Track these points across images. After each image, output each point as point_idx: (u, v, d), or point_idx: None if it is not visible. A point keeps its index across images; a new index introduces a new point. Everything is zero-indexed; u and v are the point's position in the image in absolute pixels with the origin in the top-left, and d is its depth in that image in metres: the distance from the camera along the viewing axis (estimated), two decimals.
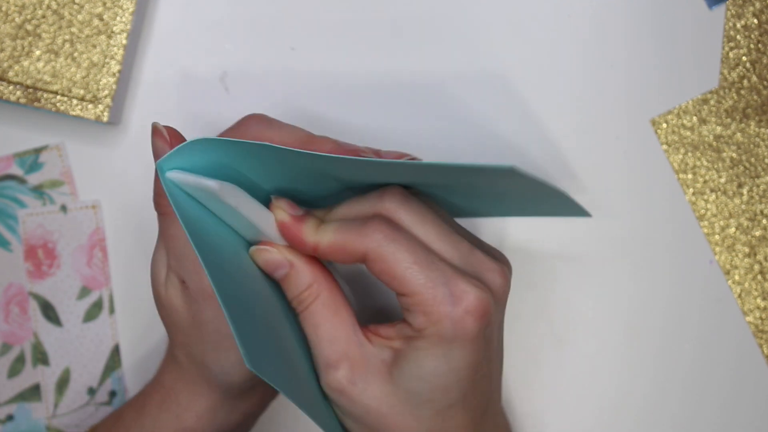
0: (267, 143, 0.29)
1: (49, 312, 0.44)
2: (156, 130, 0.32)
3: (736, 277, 0.43)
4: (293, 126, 0.34)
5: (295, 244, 0.33)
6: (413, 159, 0.34)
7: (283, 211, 0.32)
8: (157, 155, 0.32)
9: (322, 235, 0.32)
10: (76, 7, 0.42)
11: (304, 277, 0.33)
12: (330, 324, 0.32)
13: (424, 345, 0.31)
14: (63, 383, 0.44)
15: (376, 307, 0.38)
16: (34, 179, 0.44)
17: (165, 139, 0.32)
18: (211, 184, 0.29)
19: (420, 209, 0.32)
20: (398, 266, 0.31)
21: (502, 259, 0.35)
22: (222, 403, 0.37)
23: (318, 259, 0.33)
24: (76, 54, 0.42)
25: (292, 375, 0.32)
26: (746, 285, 0.43)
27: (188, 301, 0.34)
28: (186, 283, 0.34)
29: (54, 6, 0.42)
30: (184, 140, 0.31)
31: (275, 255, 0.33)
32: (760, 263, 0.43)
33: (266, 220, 0.32)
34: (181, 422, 0.37)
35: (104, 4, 0.42)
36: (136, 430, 0.38)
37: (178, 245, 0.34)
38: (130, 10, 0.42)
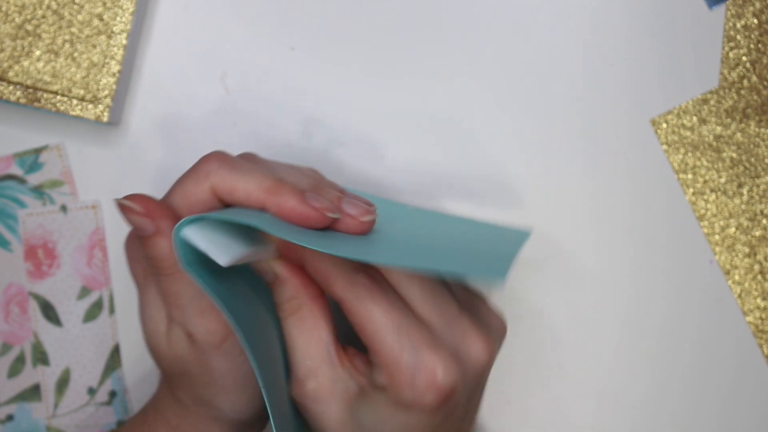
0: (252, 222, 0.30)
1: (49, 312, 0.44)
2: (124, 207, 0.32)
3: (736, 277, 0.43)
4: (258, 171, 0.33)
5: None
6: (372, 213, 0.33)
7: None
8: (140, 230, 0.32)
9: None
10: (76, 7, 0.42)
11: (287, 290, 0.33)
12: (305, 339, 0.33)
13: (383, 399, 0.31)
14: (63, 383, 0.44)
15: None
16: (34, 179, 0.44)
17: (138, 212, 0.32)
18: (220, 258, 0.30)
19: None
20: (371, 324, 0.30)
21: (495, 325, 0.34)
22: None
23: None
24: (76, 54, 0.42)
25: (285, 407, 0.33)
26: (746, 285, 0.43)
27: (195, 351, 0.34)
28: (193, 335, 0.34)
29: (54, 6, 0.42)
30: (154, 203, 0.32)
31: (263, 265, 0.33)
32: (760, 263, 0.43)
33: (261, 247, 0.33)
34: None
35: (104, 4, 0.42)
36: None
37: (181, 301, 0.34)
38: (130, 10, 0.42)
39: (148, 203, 0.32)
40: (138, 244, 0.35)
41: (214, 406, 0.36)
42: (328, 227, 0.33)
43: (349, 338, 0.33)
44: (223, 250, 0.30)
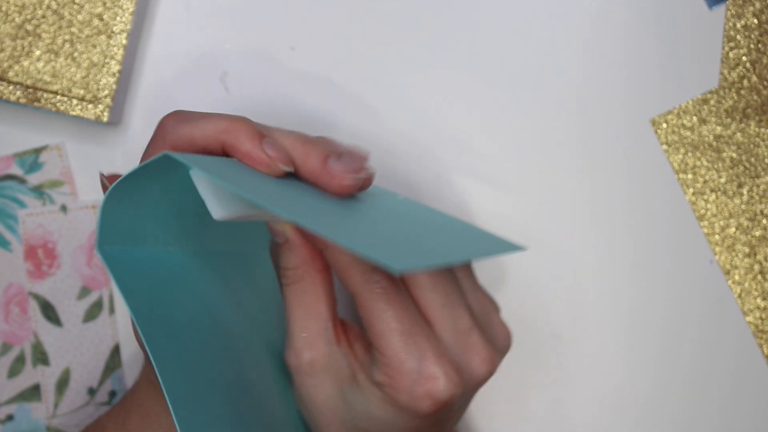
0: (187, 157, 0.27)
1: (49, 312, 0.44)
2: (103, 183, 0.32)
3: (736, 277, 0.43)
4: (214, 115, 0.31)
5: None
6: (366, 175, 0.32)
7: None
8: None
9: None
10: (76, 7, 0.42)
11: (293, 258, 0.33)
12: (303, 312, 0.32)
13: (377, 393, 0.31)
14: (63, 383, 0.44)
15: None
16: (34, 179, 0.44)
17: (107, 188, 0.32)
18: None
19: (437, 272, 0.31)
20: (380, 324, 0.30)
21: (501, 338, 0.34)
22: None
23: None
24: (76, 54, 0.42)
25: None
26: (746, 285, 0.43)
27: None
28: None
29: (54, 6, 0.42)
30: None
31: (276, 225, 0.33)
32: (760, 263, 0.43)
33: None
34: None
35: (104, 4, 0.42)
36: None
37: None
38: (130, 10, 0.42)
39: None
40: None
41: None
42: (314, 184, 0.31)
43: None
44: (221, 203, 0.28)
